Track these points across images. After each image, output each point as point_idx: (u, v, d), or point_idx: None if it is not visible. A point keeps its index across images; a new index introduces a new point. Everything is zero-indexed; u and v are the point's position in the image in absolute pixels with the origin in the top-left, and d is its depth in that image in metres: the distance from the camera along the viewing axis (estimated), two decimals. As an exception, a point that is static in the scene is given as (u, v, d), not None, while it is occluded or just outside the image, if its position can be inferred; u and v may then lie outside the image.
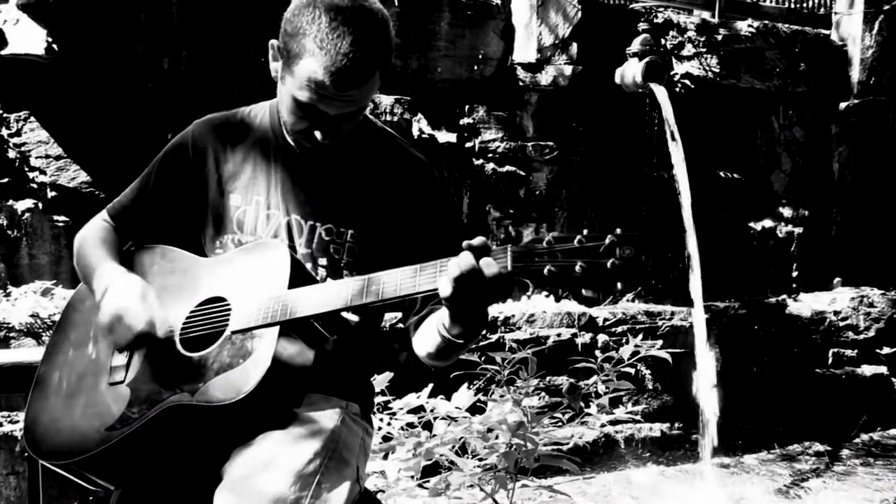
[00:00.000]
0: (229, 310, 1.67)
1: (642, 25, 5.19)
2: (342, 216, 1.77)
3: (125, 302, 1.70)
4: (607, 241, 1.37)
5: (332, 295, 1.59)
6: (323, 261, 1.76)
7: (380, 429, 3.05)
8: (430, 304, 1.71)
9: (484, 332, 4.14)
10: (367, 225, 1.77)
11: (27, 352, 3.23)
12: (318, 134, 1.67)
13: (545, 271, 1.38)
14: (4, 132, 3.90)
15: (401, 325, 1.82)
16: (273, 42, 1.69)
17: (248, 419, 1.61)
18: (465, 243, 1.44)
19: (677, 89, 5.33)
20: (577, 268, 1.36)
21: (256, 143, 1.83)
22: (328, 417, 1.70)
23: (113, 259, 1.83)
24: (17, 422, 3.11)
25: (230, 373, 1.58)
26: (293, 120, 1.69)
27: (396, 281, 1.53)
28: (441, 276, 1.46)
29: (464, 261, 1.42)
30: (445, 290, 1.45)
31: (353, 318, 1.73)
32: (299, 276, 1.64)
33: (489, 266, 1.42)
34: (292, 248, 1.76)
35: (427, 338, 1.68)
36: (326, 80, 1.58)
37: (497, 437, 2.98)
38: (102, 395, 1.71)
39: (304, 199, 1.78)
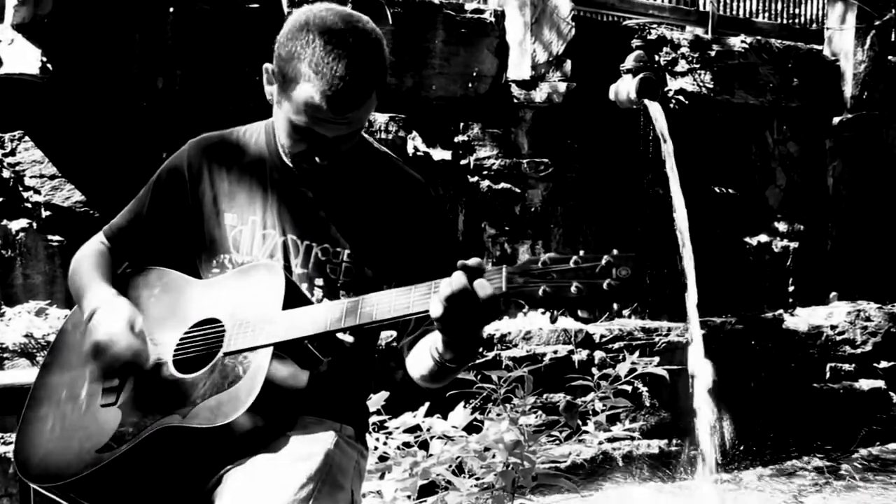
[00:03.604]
0: (223, 331, 1.66)
1: (636, 42, 5.22)
2: (338, 236, 1.76)
3: (111, 329, 1.69)
4: (603, 261, 1.35)
5: (324, 316, 1.58)
6: (319, 281, 1.75)
7: (376, 448, 3.03)
8: (424, 325, 1.70)
9: (480, 350, 4.14)
10: (364, 245, 1.76)
11: (21, 373, 3.21)
12: (316, 157, 1.66)
13: (540, 292, 1.36)
14: (-1, 152, 3.90)
15: (396, 344, 1.81)
16: (267, 66, 1.69)
17: (240, 442, 1.59)
18: (459, 263, 1.42)
19: (671, 105, 5.35)
20: (573, 289, 1.35)
21: (252, 163, 1.82)
22: (322, 440, 1.68)
23: (104, 282, 1.81)
24: (11, 443, 3.08)
25: (222, 395, 1.57)
26: (290, 143, 1.68)
27: (389, 302, 1.52)
28: (433, 296, 1.45)
29: (456, 281, 1.41)
30: (437, 310, 1.43)
31: (347, 338, 1.72)
32: (293, 298, 1.63)
33: (483, 287, 1.41)
34: (288, 268, 1.75)
35: (420, 360, 1.66)
36: (324, 105, 1.57)
37: (494, 456, 2.97)
38: (94, 418, 1.69)
39: (299, 219, 1.77)
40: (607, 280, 1.34)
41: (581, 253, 1.37)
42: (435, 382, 1.67)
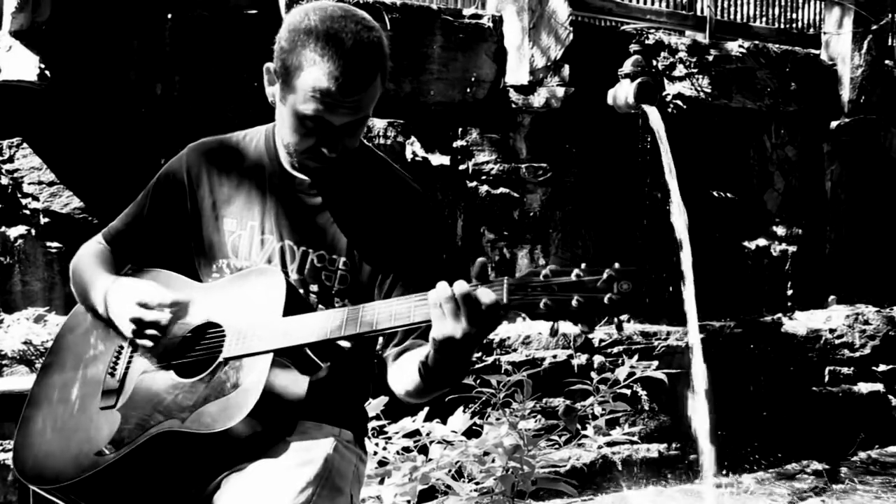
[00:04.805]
0: (223, 336, 1.66)
1: (634, 47, 5.22)
2: (334, 244, 1.76)
3: (129, 300, 1.69)
4: (605, 275, 1.35)
5: (325, 324, 1.57)
6: (314, 287, 1.75)
7: (375, 453, 3.03)
8: (413, 336, 1.69)
9: (479, 354, 4.13)
10: (360, 254, 1.76)
11: (19, 380, 3.21)
12: (325, 150, 1.66)
13: (541, 305, 1.36)
14: (-3, 159, 3.90)
15: (381, 353, 1.80)
16: (268, 65, 1.69)
17: (239, 447, 1.59)
18: (471, 273, 1.42)
19: (669, 110, 5.35)
20: (574, 302, 1.35)
21: (251, 168, 1.82)
22: (321, 445, 1.68)
23: (108, 273, 1.82)
24: (10, 450, 3.08)
25: (221, 400, 1.57)
26: (297, 139, 1.67)
27: (390, 311, 1.52)
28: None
29: (459, 289, 1.41)
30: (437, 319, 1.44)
31: (345, 343, 1.72)
32: (294, 304, 1.63)
33: (486, 295, 1.41)
34: (284, 273, 1.75)
35: (405, 374, 1.66)
36: (332, 87, 1.58)
37: (493, 461, 2.97)
38: (92, 420, 1.69)
39: (297, 225, 1.77)
40: (608, 294, 1.34)
41: (583, 266, 1.37)
42: (418, 398, 1.67)
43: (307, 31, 1.60)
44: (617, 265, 1.36)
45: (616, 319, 1.36)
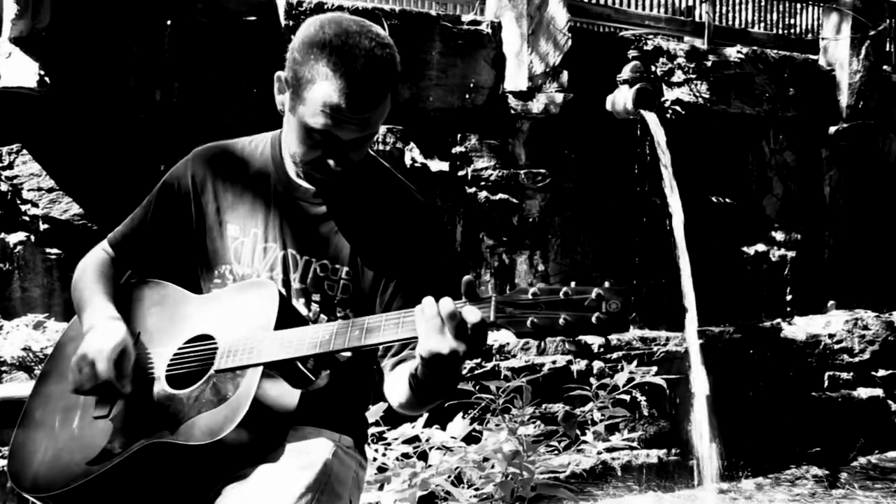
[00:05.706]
0: (215, 348, 1.66)
1: (632, 53, 5.23)
2: (337, 254, 1.76)
3: (101, 354, 1.67)
4: (593, 294, 1.34)
5: (314, 338, 1.57)
6: (317, 296, 1.75)
7: (374, 459, 3.03)
8: (409, 348, 1.69)
9: (479, 360, 4.14)
10: (363, 264, 1.75)
11: (19, 386, 3.21)
12: (331, 162, 1.66)
13: (528, 323, 1.36)
14: (-3, 165, 3.91)
15: (380, 362, 1.80)
16: (279, 74, 1.69)
17: (232, 458, 1.59)
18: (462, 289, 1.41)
19: (668, 115, 5.36)
20: (561, 321, 1.34)
21: (256, 175, 1.82)
22: (320, 451, 1.68)
23: (105, 297, 1.81)
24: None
25: (210, 413, 1.57)
26: (304, 150, 1.67)
27: (379, 326, 1.52)
28: (420, 322, 1.45)
29: (445, 307, 1.41)
30: (423, 335, 1.44)
31: (346, 353, 1.71)
32: (287, 318, 1.63)
33: (472, 314, 1.41)
34: (287, 282, 1.75)
35: (399, 385, 1.66)
36: (342, 103, 1.58)
37: (493, 467, 2.97)
38: (85, 429, 1.69)
39: (300, 234, 1.77)
40: (596, 314, 1.33)
41: (573, 284, 1.36)
42: (411, 410, 1.67)
43: (321, 45, 1.60)
44: (607, 283, 1.35)
45: (604, 338, 1.37)
